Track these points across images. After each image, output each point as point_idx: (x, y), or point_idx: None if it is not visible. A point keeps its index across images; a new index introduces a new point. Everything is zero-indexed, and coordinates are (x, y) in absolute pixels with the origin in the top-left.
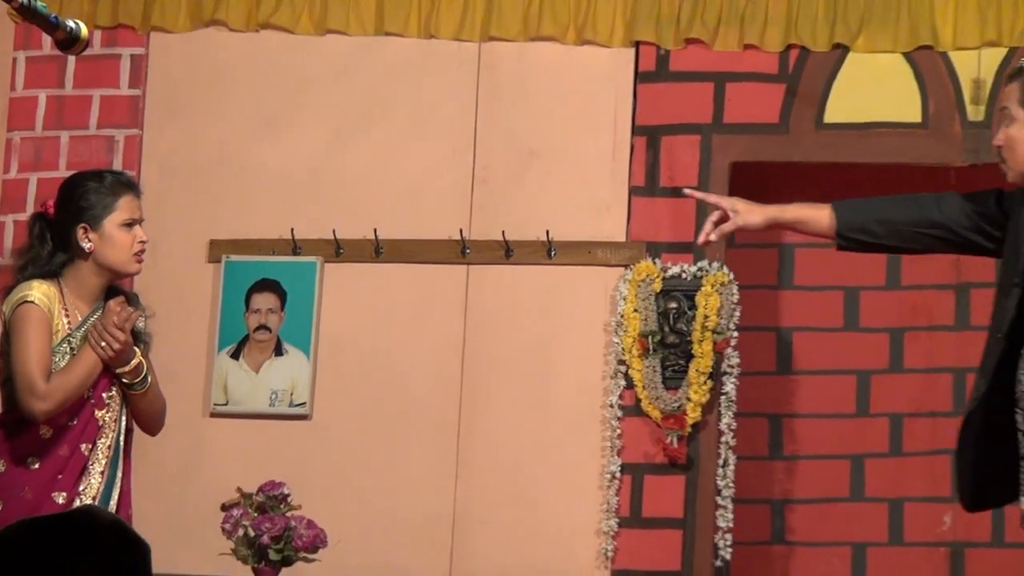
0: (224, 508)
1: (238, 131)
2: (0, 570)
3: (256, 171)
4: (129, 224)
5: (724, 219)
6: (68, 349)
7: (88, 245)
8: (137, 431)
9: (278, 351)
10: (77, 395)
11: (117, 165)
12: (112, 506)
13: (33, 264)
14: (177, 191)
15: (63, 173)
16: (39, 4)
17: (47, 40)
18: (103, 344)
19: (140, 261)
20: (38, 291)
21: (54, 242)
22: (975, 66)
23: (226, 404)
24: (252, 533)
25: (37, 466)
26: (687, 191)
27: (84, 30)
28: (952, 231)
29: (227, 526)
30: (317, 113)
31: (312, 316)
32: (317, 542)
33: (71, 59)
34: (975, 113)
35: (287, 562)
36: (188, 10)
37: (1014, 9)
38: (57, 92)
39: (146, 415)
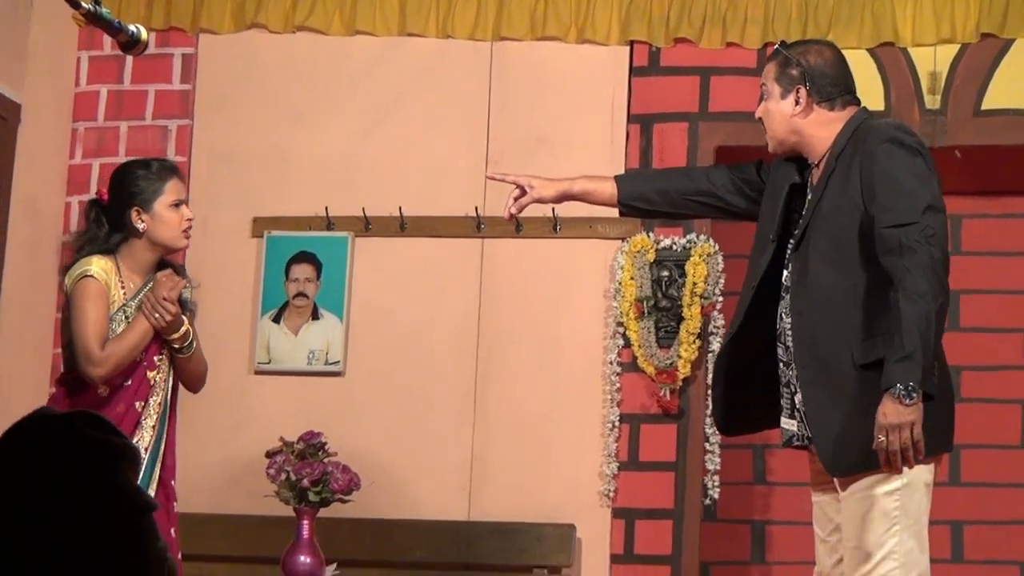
0: (268, 455)
1: (278, 121)
2: None
3: (294, 156)
4: (176, 204)
5: (523, 194)
6: (123, 317)
7: (142, 225)
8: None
9: (315, 315)
10: (130, 359)
11: (170, 152)
12: (160, 455)
13: (91, 243)
14: (224, 175)
15: (122, 159)
16: (104, 11)
17: (107, 40)
18: (156, 315)
19: (188, 236)
20: (97, 266)
21: (109, 224)
22: (931, 60)
23: (269, 363)
24: (294, 477)
25: None
26: (489, 175)
27: (144, 34)
28: (719, 197)
29: (271, 471)
30: (348, 105)
31: (344, 284)
32: (351, 485)
33: (129, 58)
34: (932, 102)
35: (325, 503)
36: (232, 14)
37: (966, 10)
38: (116, 87)
39: (191, 376)
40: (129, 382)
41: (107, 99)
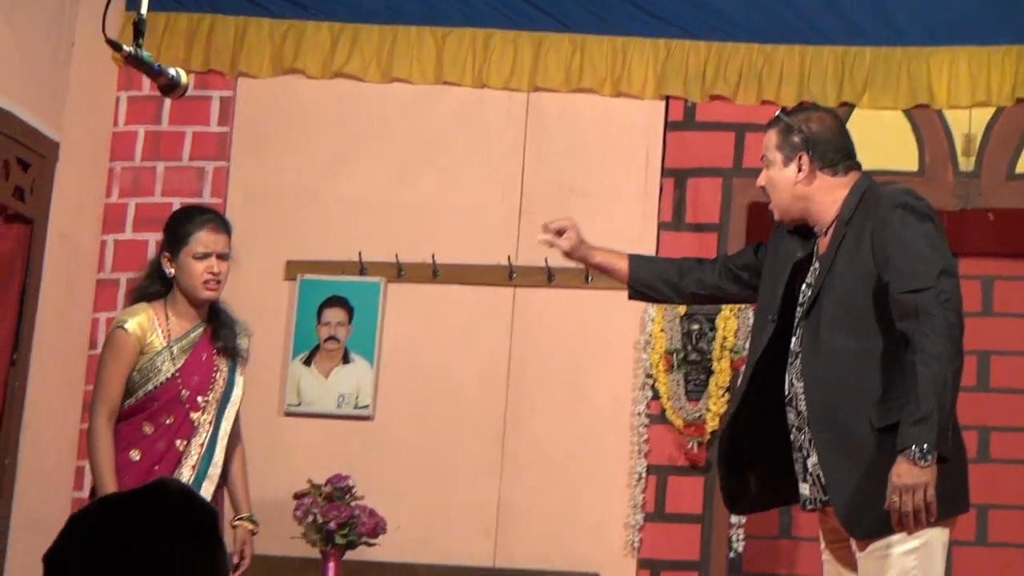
0: (296, 497)
1: (313, 165)
2: (83, 545)
3: (329, 201)
4: (203, 256)
5: (561, 234)
6: (169, 356)
7: (171, 271)
8: None
9: (345, 359)
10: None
11: (206, 194)
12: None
13: (143, 285)
14: (258, 217)
15: (159, 199)
16: (145, 53)
17: (146, 81)
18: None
19: (211, 289)
20: (135, 319)
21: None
22: (967, 122)
23: (299, 405)
24: (321, 520)
25: (138, 458)
26: (540, 238)
27: (184, 77)
28: (720, 288)
29: (299, 513)
30: (383, 151)
31: (376, 329)
32: (378, 529)
33: (167, 99)
34: (966, 164)
35: (351, 546)
36: (271, 59)
37: (1001, 74)
38: (154, 128)
39: None
40: (171, 420)
41: (144, 139)
